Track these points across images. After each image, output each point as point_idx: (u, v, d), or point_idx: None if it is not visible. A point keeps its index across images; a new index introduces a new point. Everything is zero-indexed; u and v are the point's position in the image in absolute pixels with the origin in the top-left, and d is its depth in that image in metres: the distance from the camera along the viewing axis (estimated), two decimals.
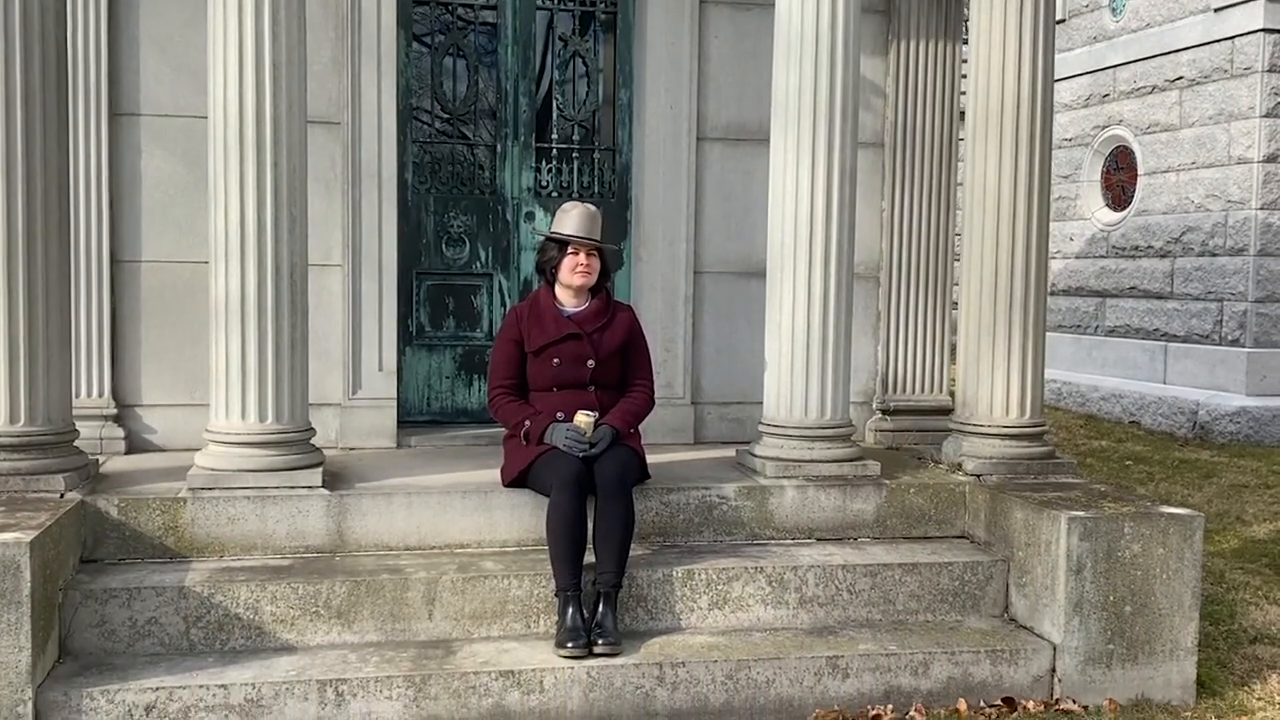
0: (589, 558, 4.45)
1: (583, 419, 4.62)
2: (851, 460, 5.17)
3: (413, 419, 6.09)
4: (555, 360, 4.77)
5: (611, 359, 4.84)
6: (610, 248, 4.95)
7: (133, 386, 5.58)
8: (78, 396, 5.41)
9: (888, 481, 5.16)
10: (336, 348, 5.74)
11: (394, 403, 5.81)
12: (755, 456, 5.21)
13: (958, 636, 4.60)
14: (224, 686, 3.95)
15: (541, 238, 5.00)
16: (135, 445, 5.55)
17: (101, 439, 5.43)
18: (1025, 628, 4.70)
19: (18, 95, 4.40)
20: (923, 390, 6.38)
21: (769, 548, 4.92)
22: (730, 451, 5.61)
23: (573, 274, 4.78)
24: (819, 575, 4.69)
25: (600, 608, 4.36)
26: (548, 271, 4.86)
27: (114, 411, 5.50)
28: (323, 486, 4.69)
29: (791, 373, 5.12)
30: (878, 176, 6.28)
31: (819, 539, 5.05)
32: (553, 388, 4.80)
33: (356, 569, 4.48)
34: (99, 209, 5.43)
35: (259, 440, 4.66)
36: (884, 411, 6.34)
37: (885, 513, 5.12)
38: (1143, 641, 4.56)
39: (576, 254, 4.78)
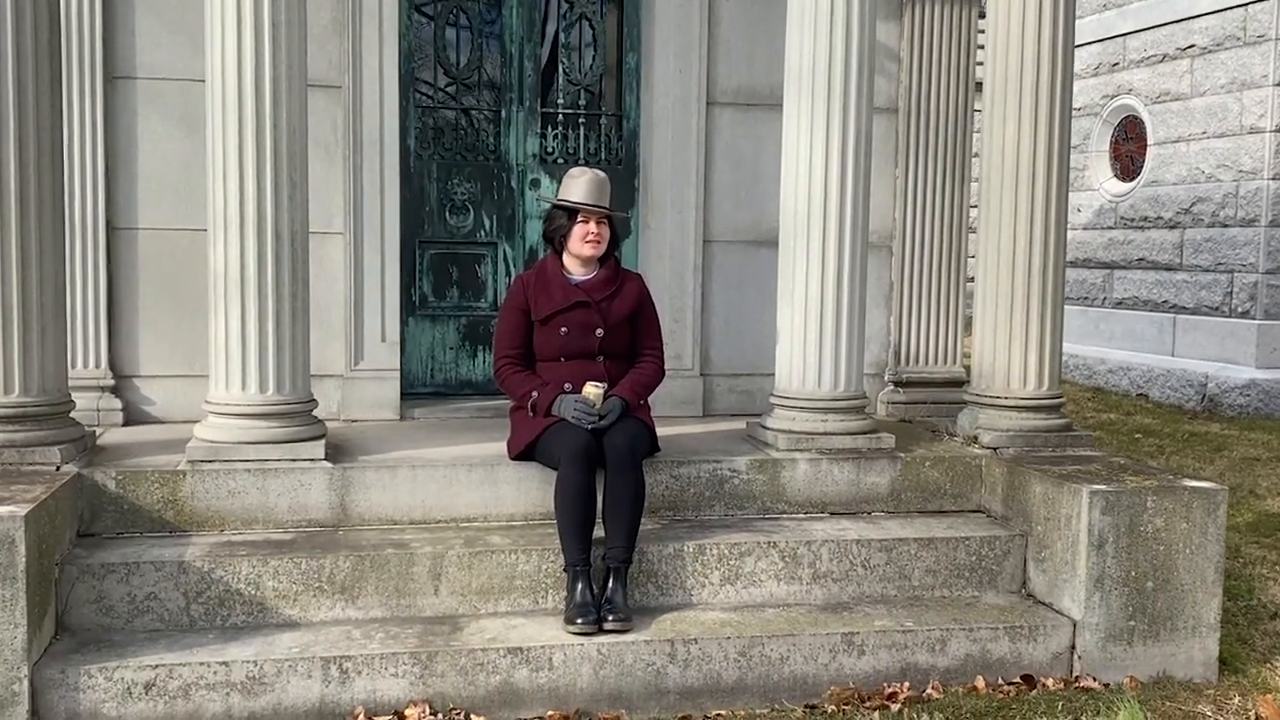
0: (598, 532, 4.34)
1: (591, 390, 4.50)
2: (865, 433, 5.06)
3: (416, 391, 5.98)
4: (563, 329, 4.65)
5: (620, 328, 4.72)
6: (620, 215, 4.82)
7: (130, 357, 5.46)
8: (74, 367, 5.29)
9: (902, 455, 5.05)
10: (338, 318, 5.62)
11: (397, 374, 5.69)
12: (767, 429, 5.10)
13: (975, 613, 4.50)
14: (225, 664, 3.84)
15: (548, 205, 4.86)
16: (133, 417, 5.44)
17: (99, 410, 5.32)
18: (1044, 604, 4.60)
19: (9, 57, 4.25)
20: (936, 362, 6.26)
21: (781, 522, 4.81)
22: (740, 424, 5.50)
23: (583, 243, 4.66)
24: (833, 550, 4.59)
25: (610, 583, 4.25)
26: (556, 240, 4.74)
27: (111, 383, 5.38)
28: (325, 459, 4.58)
29: (805, 343, 5.00)
30: (891, 143, 6.14)
31: (832, 513, 4.95)
32: (560, 357, 4.68)
33: (360, 543, 4.37)
34: (94, 175, 5.30)
35: (259, 412, 4.55)
36: (896, 384, 6.22)
37: (900, 486, 5.01)
38: (1165, 618, 4.47)
39: (586, 222, 4.65)
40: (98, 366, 5.36)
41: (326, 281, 5.59)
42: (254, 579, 4.16)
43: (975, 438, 5.22)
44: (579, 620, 4.12)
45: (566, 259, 4.74)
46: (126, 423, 5.39)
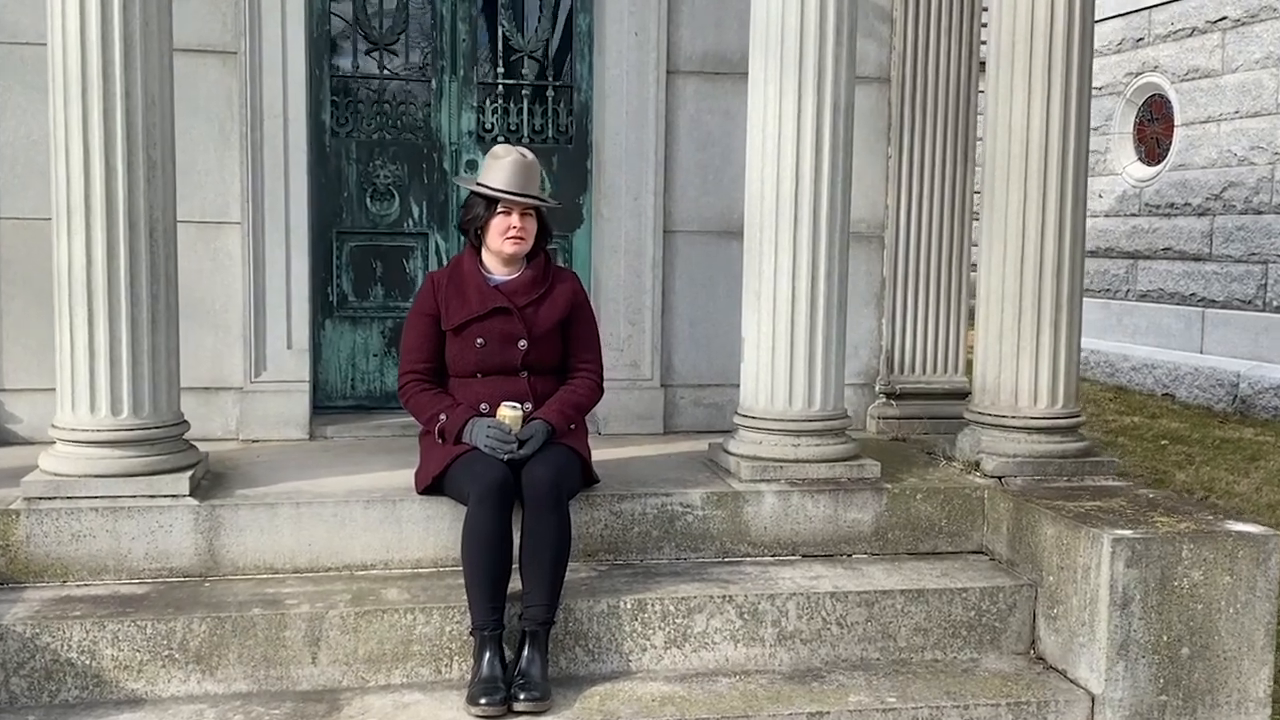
0: (515, 585, 3.58)
1: (507, 413, 3.72)
2: (845, 460, 4.27)
3: (334, 404, 5.20)
4: (479, 340, 3.87)
5: (548, 338, 3.94)
6: (548, 204, 4.03)
7: None
8: None
9: (889, 485, 4.25)
10: (236, 321, 4.84)
11: (306, 386, 4.92)
12: (729, 454, 4.31)
13: (973, 682, 3.71)
14: None
15: (466, 190, 4.07)
16: None
17: None
18: (1056, 670, 3.81)
19: None
20: (935, 370, 5.45)
21: (742, 568, 4.03)
22: (704, 444, 4.71)
23: (503, 240, 3.88)
24: (802, 605, 3.80)
25: (526, 651, 3.48)
26: (472, 232, 3.96)
27: None
28: (190, 495, 3.81)
29: (773, 353, 4.22)
30: (882, 118, 5.33)
31: (805, 556, 4.16)
32: (476, 373, 3.91)
33: (224, 601, 3.61)
34: None
35: (111, 439, 3.79)
36: (888, 395, 5.42)
37: (886, 523, 4.22)
38: (1203, 691, 3.67)
39: (508, 214, 3.87)
40: None
41: (223, 279, 4.82)
42: (89, 646, 3.41)
43: (977, 464, 4.42)
44: (482, 700, 3.35)
45: (486, 256, 3.96)
46: None
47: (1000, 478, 4.31)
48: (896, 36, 5.29)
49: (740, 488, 4.16)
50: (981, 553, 4.26)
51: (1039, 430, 4.36)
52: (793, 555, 4.16)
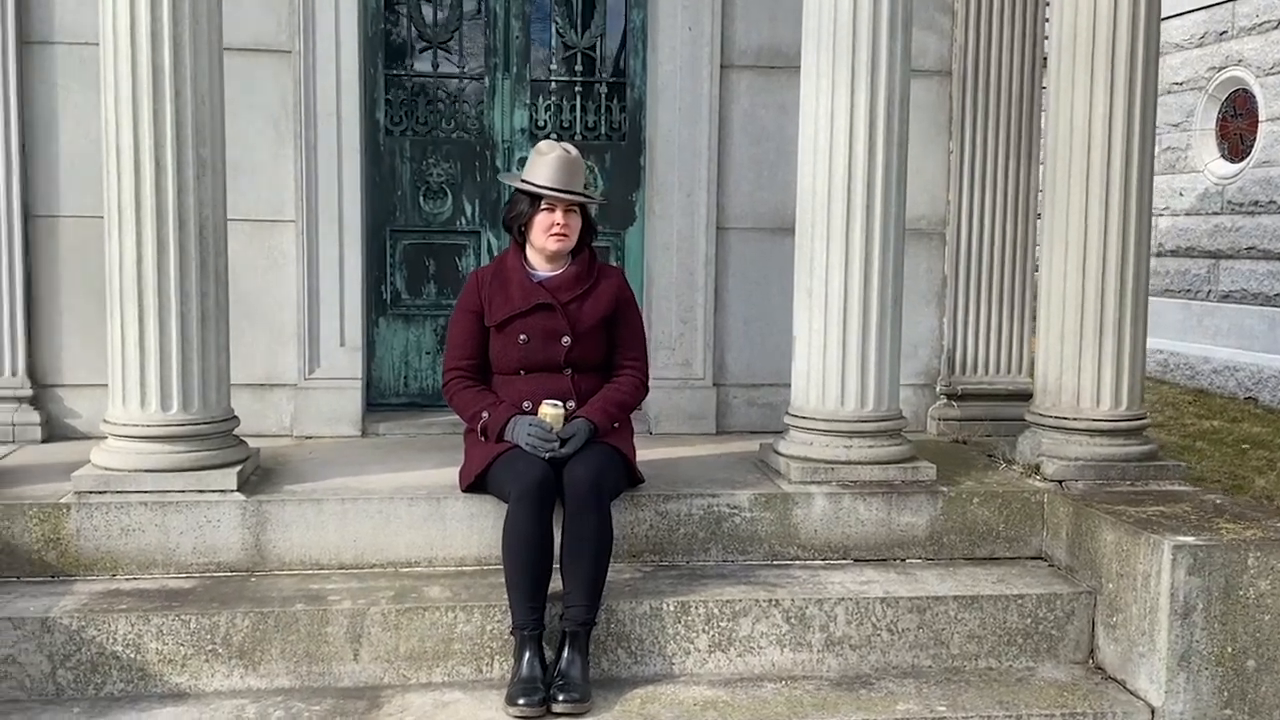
0: (556, 585, 3.54)
1: (549, 411, 3.69)
2: (899, 462, 4.17)
3: (387, 402, 5.21)
4: (522, 336, 3.84)
5: (592, 335, 3.89)
6: (592, 200, 3.98)
7: (53, 364, 4.78)
8: None
9: (945, 488, 4.14)
10: (290, 319, 4.87)
11: (359, 383, 4.92)
12: (779, 455, 4.23)
13: (1028, 692, 3.59)
14: None
15: (511, 187, 4.03)
16: (55, 432, 4.76)
17: (14, 425, 4.65)
18: (1115, 680, 3.68)
19: None
20: (997, 371, 5.31)
21: (791, 571, 3.95)
22: (756, 445, 4.62)
23: (546, 236, 3.83)
24: (851, 610, 3.71)
25: (565, 652, 3.44)
26: (516, 229, 3.92)
27: (29, 393, 4.70)
28: (238, 490, 3.83)
29: (824, 352, 4.13)
30: (944, 112, 5.20)
31: (856, 560, 4.07)
32: (519, 370, 3.87)
33: (268, 596, 3.62)
34: (7, 154, 4.61)
35: (161, 434, 3.82)
36: (949, 396, 5.29)
37: (941, 528, 4.11)
38: (1271, 706, 3.52)
39: (551, 210, 3.82)
40: (14, 375, 4.68)
41: (278, 277, 4.85)
42: (134, 640, 3.43)
43: (1037, 467, 4.29)
44: (521, 700, 3.31)
45: (530, 253, 3.93)
46: (48, 439, 4.71)
47: (1061, 481, 4.18)
48: (958, 28, 5.16)
49: (790, 489, 4.07)
50: (1040, 559, 4.13)
51: (1101, 433, 4.23)
52: (843, 559, 4.07)
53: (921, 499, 4.10)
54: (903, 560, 4.09)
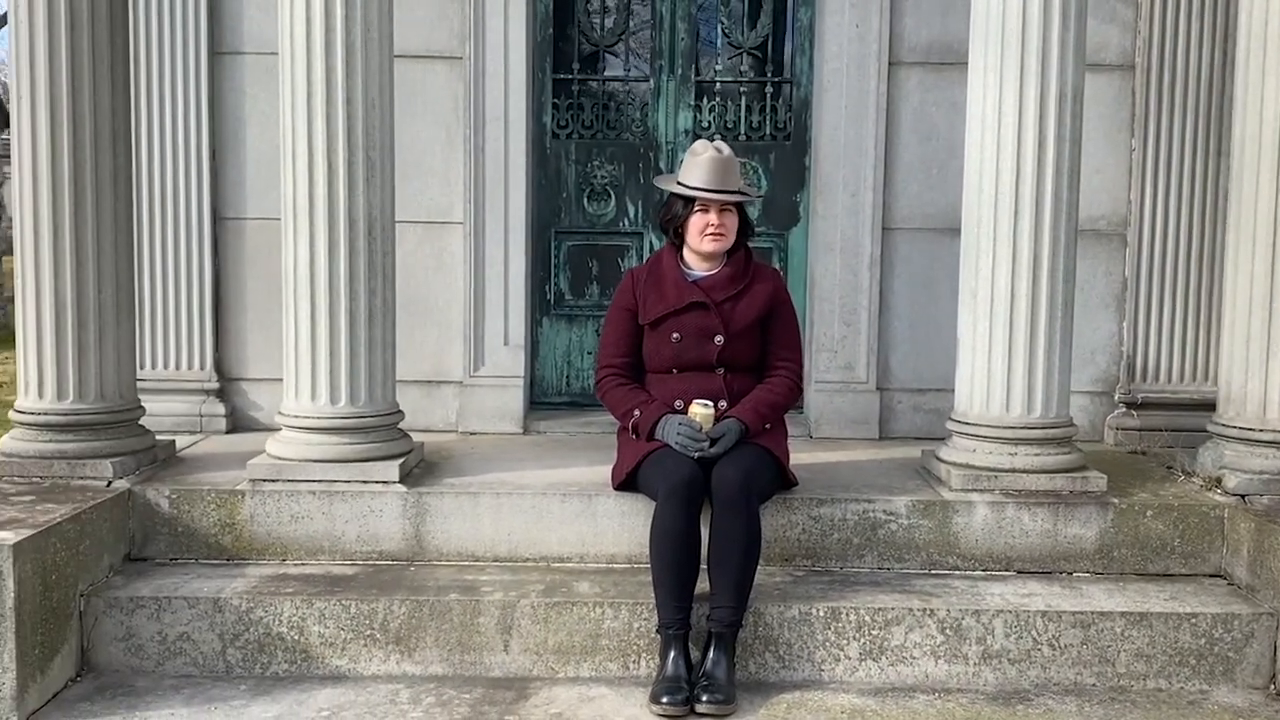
0: (704, 585, 3.52)
1: (698, 410, 3.68)
2: (1068, 471, 4.00)
3: (549, 400, 5.30)
4: (675, 335, 3.84)
5: (745, 335, 3.86)
6: (747, 199, 3.95)
7: (237, 358, 5.04)
8: (176, 369, 4.95)
9: (1116, 500, 3.95)
10: (457, 318, 5.01)
11: (521, 382, 5.02)
12: (941, 461, 4.12)
13: (1199, 716, 3.39)
14: None
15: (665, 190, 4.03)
16: (240, 423, 5.02)
17: (201, 416, 4.92)
18: None
19: (62, 23, 3.85)
20: (1180, 378, 5.04)
21: (949, 582, 3.83)
22: (918, 451, 4.51)
23: (702, 237, 3.82)
24: (1010, 623, 3.58)
25: (711, 652, 3.42)
26: (672, 231, 3.92)
27: (215, 386, 4.96)
28: (400, 482, 3.95)
29: (989, 356, 4.00)
30: (1125, 108, 4.97)
31: (1020, 572, 3.92)
32: (672, 369, 3.88)
33: (424, 585, 3.72)
34: (198, 160, 4.89)
35: (328, 426, 3.98)
36: (1128, 405, 5.04)
37: (1111, 541, 3.92)
38: None
39: (706, 211, 3.81)
40: (201, 369, 4.96)
41: (445, 278, 5.00)
42: (298, 623, 3.58)
43: (1218, 480, 4.05)
44: (664, 699, 3.31)
45: (686, 253, 3.92)
46: (232, 429, 4.97)
47: (1243, 496, 3.93)
48: (1142, 21, 4.92)
49: (950, 497, 3.96)
50: (1219, 576, 3.90)
51: None
52: (1006, 571, 3.92)
53: (1090, 510, 3.92)
54: (1069, 574, 3.92)
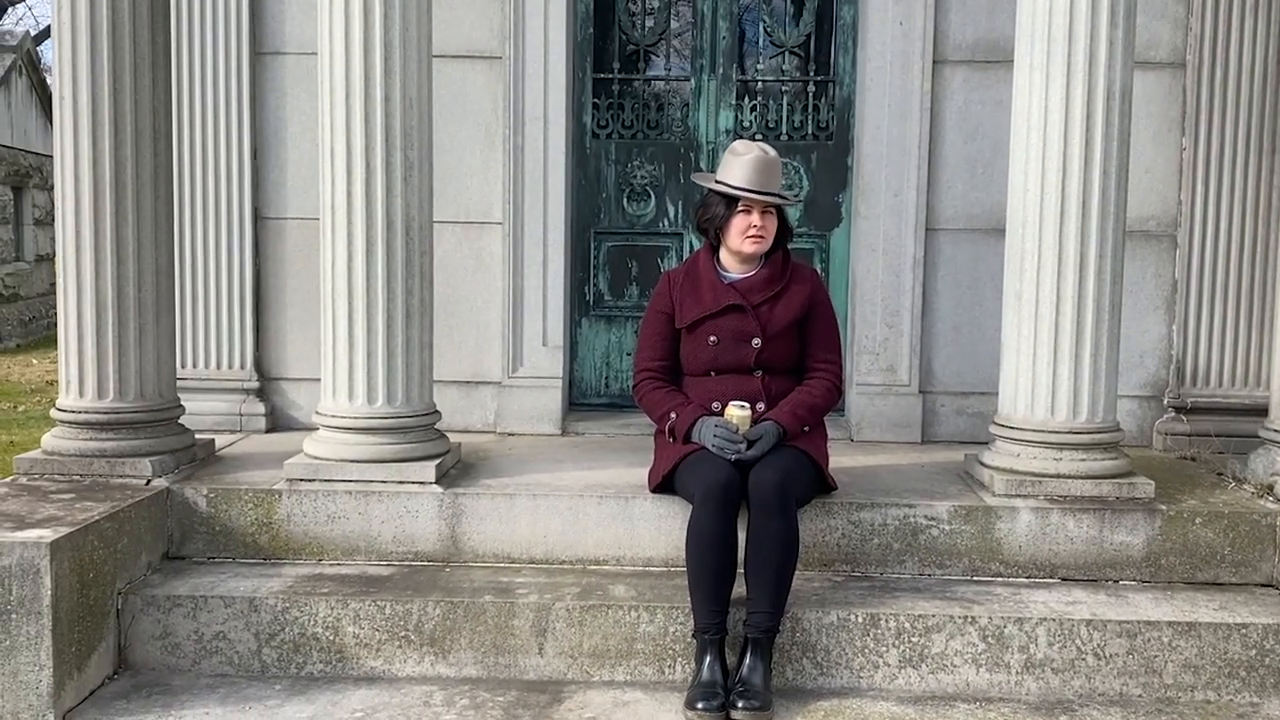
0: (740, 589, 3.48)
1: (735, 412, 3.63)
2: (1114, 477, 3.91)
3: (587, 401, 5.27)
4: (712, 338, 3.80)
5: (783, 337, 3.81)
6: (790, 202, 3.90)
7: (277, 357, 5.05)
8: (217, 368, 4.96)
9: (1164, 506, 3.86)
10: (495, 318, 5.00)
11: (560, 383, 5.00)
12: (983, 466, 4.05)
13: None
14: None
15: (705, 188, 3.99)
16: (279, 423, 5.03)
17: (241, 415, 4.94)
18: None
19: (104, 22, 3.87)
20: (1232, 382, 4.93)
21: (992, 589, 3.76)
22: (961, 455, 4.44)
23: (743, 239, 3.78)
24: (1053, 631, 3.50)
25: (747, 658, 3.37)
26: (711, 231, 3.88)
27: (255, 385, 4.98)
28: (436, 483, 3.94)
29: (1034, 358, 3.93)
30: (1176, 107, 4.87)
31: (1064, 579, 3.84)
32: (709, 371, 3.84)
33: (459, 586, 3.70)
34: (240, 159, 4.91)
35: (365, 426, 3.97)
36: (1178, 410, 4.94)
37: (1159, 549, 3.83)
38: None
39: (748, 213, 3.77)
40: (241, 368, 4.97)
41: (484, 277, 4.99)
42: (333, 623, 3.57)
43: (1270, 487, 3.96)
44: (699, 704, 3.27)
45: (724, 254, 3.88)
46: (272, 428, 4.98)
47: None
48: (1194, 17, 4.82)
49: (993, 502, 3.88)
50: (1270, 586, 3.80)
51: None
52: (1050, 578, 3.85)
53: (1138, 517, 3.83)
54: (1115, 581, 3.84)
